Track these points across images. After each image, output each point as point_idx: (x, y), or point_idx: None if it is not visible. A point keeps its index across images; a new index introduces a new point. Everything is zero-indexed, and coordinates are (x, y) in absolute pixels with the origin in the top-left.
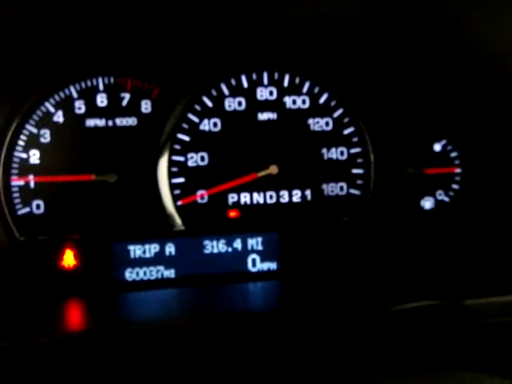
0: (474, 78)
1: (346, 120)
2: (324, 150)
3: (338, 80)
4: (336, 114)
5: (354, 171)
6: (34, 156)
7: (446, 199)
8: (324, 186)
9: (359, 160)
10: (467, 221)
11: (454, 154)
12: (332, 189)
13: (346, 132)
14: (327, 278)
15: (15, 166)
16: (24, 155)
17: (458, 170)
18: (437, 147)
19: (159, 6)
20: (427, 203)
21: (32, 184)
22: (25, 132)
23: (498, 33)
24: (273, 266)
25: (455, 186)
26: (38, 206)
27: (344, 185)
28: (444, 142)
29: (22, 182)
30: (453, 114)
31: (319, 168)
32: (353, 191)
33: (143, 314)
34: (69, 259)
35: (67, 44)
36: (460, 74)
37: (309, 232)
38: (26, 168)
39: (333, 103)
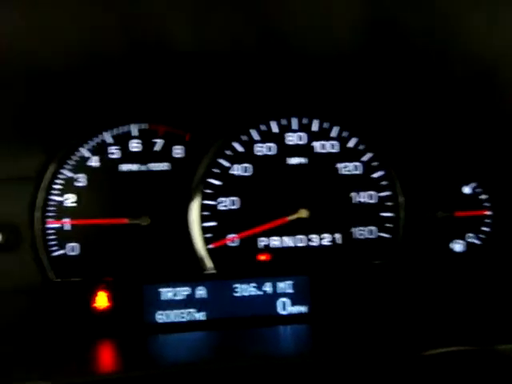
0: (503, 119)
1: (374, 164)
2: (353, 194)
3: (367, 125)
4: (365, 158)
5: (384, 214)
6: (70, 199)
7: (477, 242)
8: (353, 230)
9: (388, 203)
10: (499, 264)
11: (483, 197)
12: (361, 232)
13: (375, 176)
14: (358, 321)
15: (51, 209)
16: (60, 199)
17: (488, 213)
18: (466, 190)
19: (190, 54)
20: (458, 246)
21: (67, 227)
22: (61, 176)
23: None
24: (303, 309)
25: (486, 229)
26: (72, 248)
27: (374, 228)
28: (474, 184)
29: (57, 225)
30: (482, 157)
31: (348, 212)
32: (383, 234)
33: (174, 356)
34: (101, 300)
35: (102, 92)
36: (488, 116)
37: (339, 275)
38: (61, 211)
39: (361, 147)
